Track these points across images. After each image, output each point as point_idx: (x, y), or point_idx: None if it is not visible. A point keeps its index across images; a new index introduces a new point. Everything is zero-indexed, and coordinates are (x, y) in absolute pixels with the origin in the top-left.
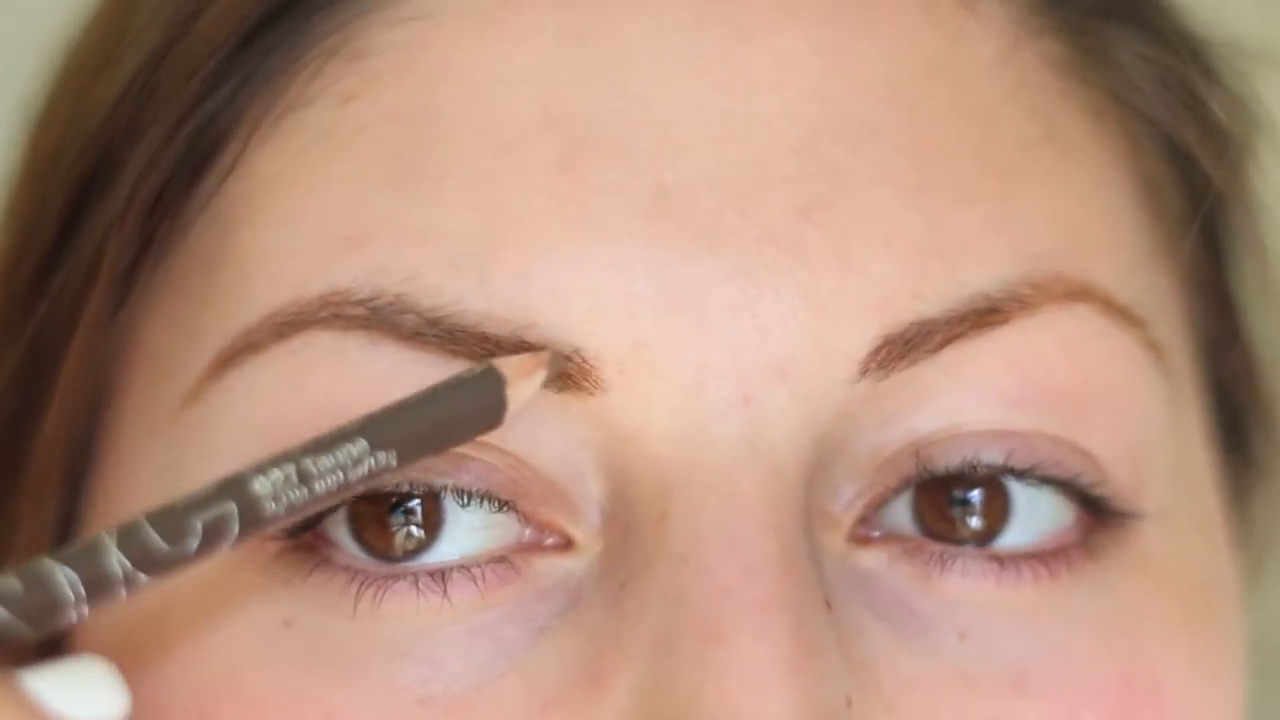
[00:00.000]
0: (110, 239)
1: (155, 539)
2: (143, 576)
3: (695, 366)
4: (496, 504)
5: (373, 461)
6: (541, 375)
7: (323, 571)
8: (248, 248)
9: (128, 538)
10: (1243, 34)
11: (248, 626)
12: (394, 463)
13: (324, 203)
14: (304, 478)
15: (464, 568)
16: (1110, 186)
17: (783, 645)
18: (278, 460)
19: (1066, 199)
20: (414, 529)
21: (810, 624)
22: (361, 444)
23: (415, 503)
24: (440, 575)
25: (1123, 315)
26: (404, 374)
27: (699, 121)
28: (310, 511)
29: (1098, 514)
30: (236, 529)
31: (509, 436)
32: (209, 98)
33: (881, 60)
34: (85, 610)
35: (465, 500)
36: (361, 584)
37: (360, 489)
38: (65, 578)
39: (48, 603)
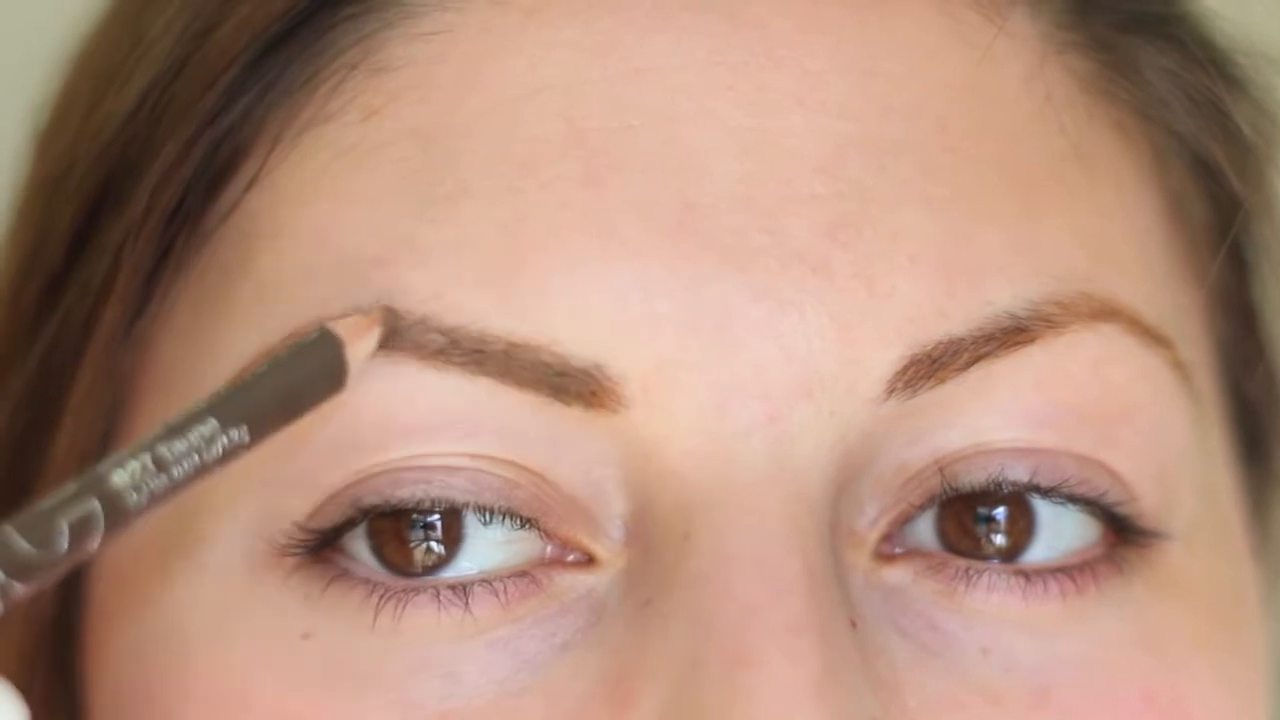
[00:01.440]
0: (125, 253)
1: (23, 545)
2: (17, 585)
3: (719, 385)
4: (518, 521)
5: (225, 440)
6: (376, 334)
7: (341, 584)
8: (268, 265)
9: None
10: (1268, 43)
11: (266, 639)
12: (247, 438)
13: (346, 221)
14: (160, 465)
15: (485, 581)
16: (1136, 204)
17: (810, 668)
18: (133, 451)
19: (1093, 217)
20: (434, 544)
21: (836, 645)
22: (212, 423)
23: (435, 519)
24: (462, 588)
25: (1150, 335)
26: (427, 393)
27: (723, 138)
28: (170, 498)
29: (1123, 532)
30: (103, 525)
31: (533, 454)
32: (227, 111)
33: (908, 78)
34: None
35: (487, 518)
36: (381, 597)
37: (217, 469)
38: None
39: None
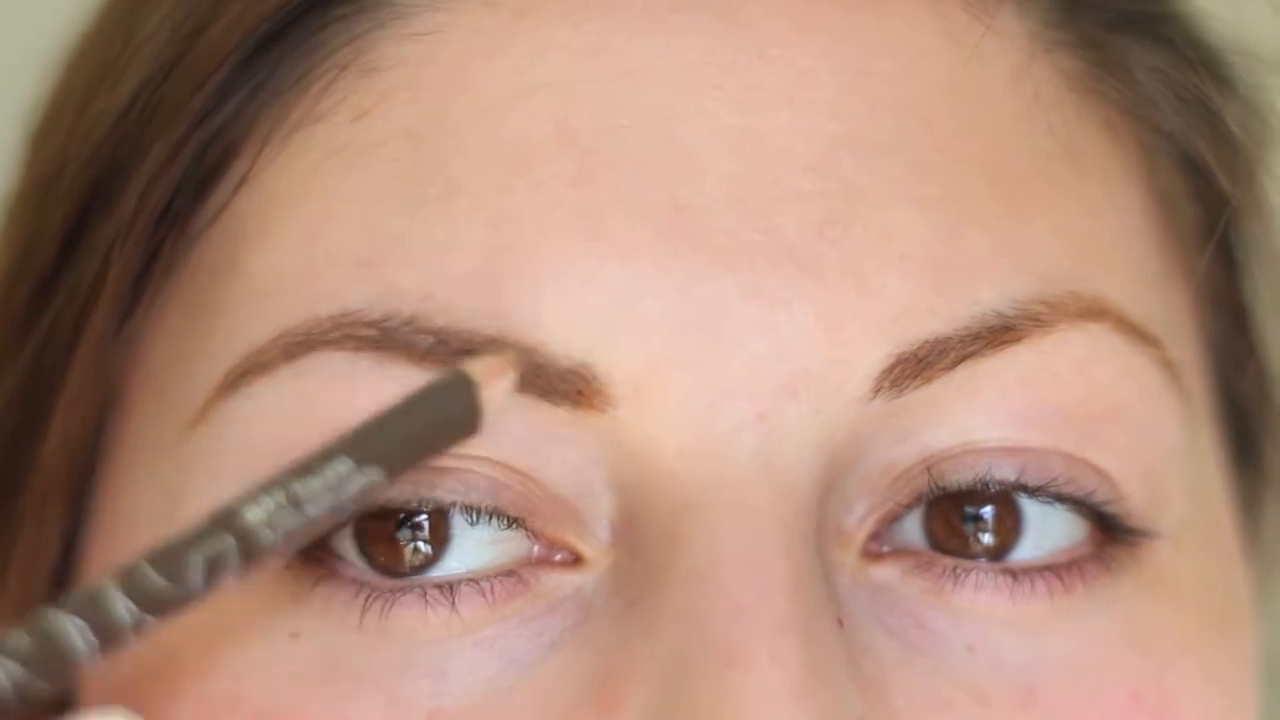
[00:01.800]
0: (115, 254)
1: (158, 580)
2: (150, 619)
3: (709, 384)
4: (505, 521)
5: (362, 479)
6: (511, 377)
7: (329, 584)
8: (257, 265)
9: (130, 581)
10: (1259, 43)
11: (255, 638)
12: (380, 478)
13: (335, 222)
14: (295, 502)
15: (473, 580)
16: (1125, 203)
17: (795, 668)
18: (267, 488)
19: (1081, 216)
20: (421, 544)
21: (822, 645)
22: (347, 463)
23: (423, 518)
24: (449, 588)
25: (1138, 334)
26: None
27: (714, 138)
28: (308, 537)
29: (1111, 531)
30: (236, 562)
31: (520, 454)
32: (216, 111)
33: (898, 77)
34: (97, 659)
35: (474, 517)
36: (369, 596)
37: (354, 508)
38: (75, 628)
39: (61, 656)
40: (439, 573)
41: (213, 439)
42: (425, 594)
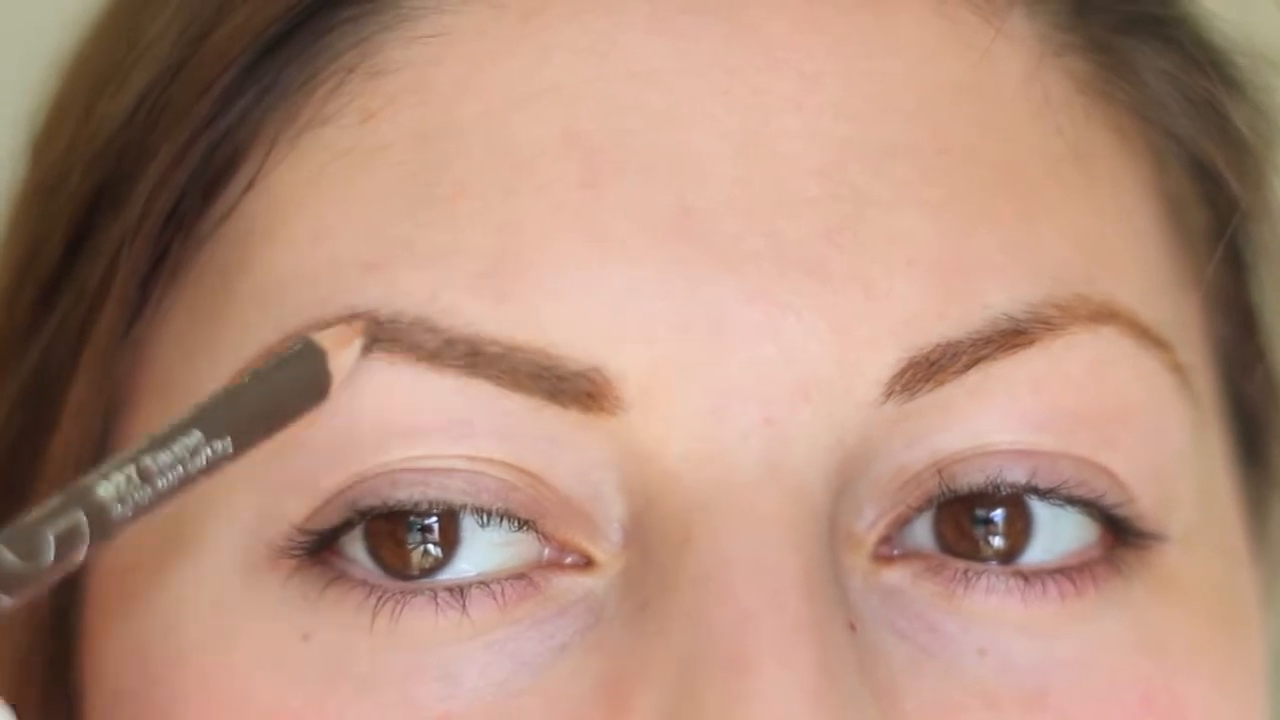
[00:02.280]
0: (122, 256)
1: (9, 558)
2: (4, 598)
3: (716, 388)
4: (516, 523)
5: (209, 451)
6: (359, 344)
7: (340, 585)
8: (265, 267)
9: None
10: (1268, 45)
11: (266, 640)
12: (230, 449)
13: (343, 224)
14: (145, 476)
15: (483, 583)
16: (1135, 206)
17: (806, 672)
18: (118, 462)
19: (1091, 219)
20: (431, 547)
21: (834, 649)
22: (196, 435)
23: (433, 520)
24: (459, 591)
25: (1148, 337)
26: (423, 395)
27: (720, 142)
28: (155, 509)
29: (1121, 534)
30: (88, 537)
31: (530, 455)
32: (223, 114)
33: (906, 80)
34: None
35: (484, 519)
36: (380, 599)
37: (201, 480)
38: None
39: None
40: (449, 575)
41: None
42: (436, 597)
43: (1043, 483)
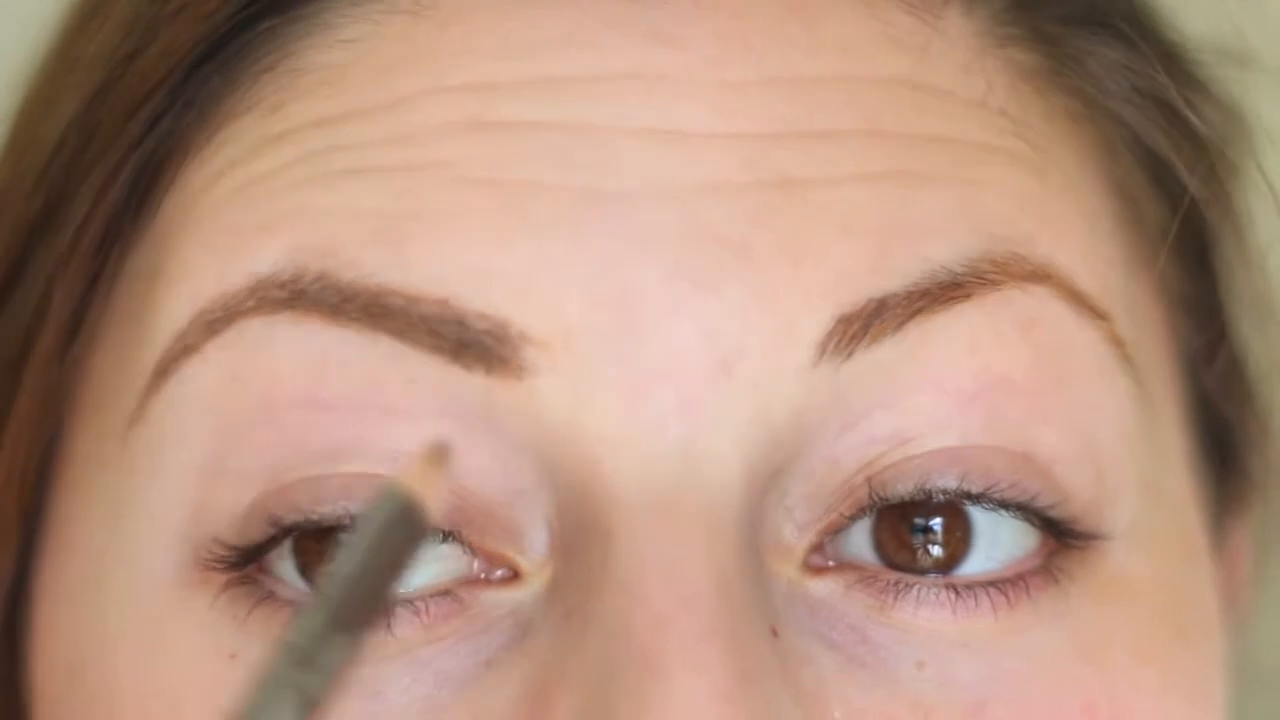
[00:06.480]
0: (57, 281)
1: None
2: None
3: (630, 365)
4: (439, 535)
5: (347, 636)
6: (442, 468)
7: (267, 606)
8: (176, 256)
9: None
10: (1230, 37)
11: (195, 657)
12: (361, 637)
13: (243, 200)
14: (310, 703)
15: (407, 601)
16: (1081, 184)
17: (719, 676)
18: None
19: (1033, 187)
20: None
21: (751, 653)
22: (340, 639)
23: None
24: None
25: (1085, 304)
26: (333, 352)
27: (638, 138)
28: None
29: (1061, 536)
30: None
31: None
32: (151, 133)
33: (837, 78)
34: None
35: None
36: None
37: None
38: None
39: None
40: None
41: (150, 437)
42: None
43: (974, 486)
